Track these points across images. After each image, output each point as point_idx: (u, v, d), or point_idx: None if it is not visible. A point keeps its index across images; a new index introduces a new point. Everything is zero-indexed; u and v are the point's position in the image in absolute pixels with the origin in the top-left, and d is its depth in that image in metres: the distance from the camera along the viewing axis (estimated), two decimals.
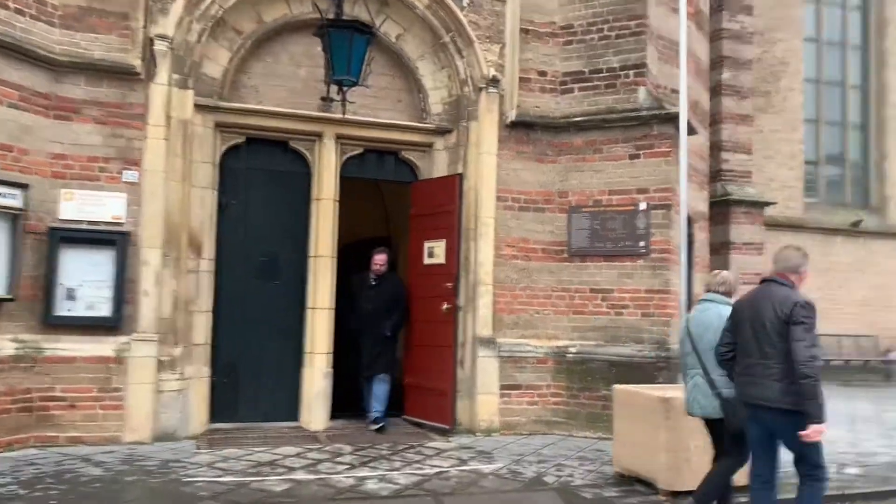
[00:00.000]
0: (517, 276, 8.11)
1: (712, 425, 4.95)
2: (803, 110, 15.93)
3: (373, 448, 6.91)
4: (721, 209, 12.93)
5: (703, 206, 9.96)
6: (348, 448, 6.87)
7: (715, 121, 12.96)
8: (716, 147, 12.96)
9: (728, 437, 4.78)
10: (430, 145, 8.30)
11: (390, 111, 8.26)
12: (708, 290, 5.11)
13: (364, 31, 7.13)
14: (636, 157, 7.92)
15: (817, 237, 15.60)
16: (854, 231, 15.80)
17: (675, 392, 6.01)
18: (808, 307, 4.14)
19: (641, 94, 7.96)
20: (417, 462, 6.44)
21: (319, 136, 7.91)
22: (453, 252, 7.76)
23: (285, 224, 7.93)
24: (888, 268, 16.05)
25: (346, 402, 8.16)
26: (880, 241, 16.06)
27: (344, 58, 7.03)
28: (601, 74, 8.17)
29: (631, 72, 8.04)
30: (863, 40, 16.81)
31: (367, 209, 12.15)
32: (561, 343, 8.09)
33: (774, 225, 14.42)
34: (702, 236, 9.62)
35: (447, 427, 7.67)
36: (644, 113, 7.88)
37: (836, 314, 15.64)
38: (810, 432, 4.03)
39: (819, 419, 4.02)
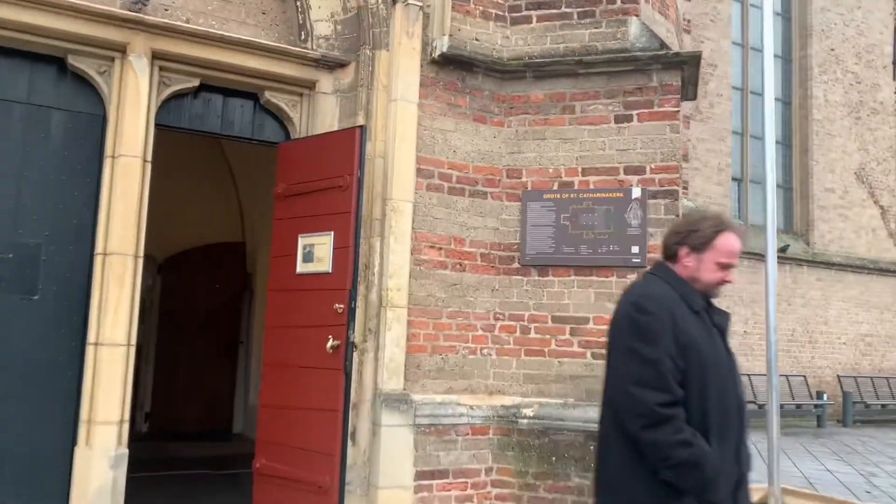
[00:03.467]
0: (445, 296, 5.19)
1: None
2: (731, 120, 14.25)
3: None
4: None
5: None
6: None
7: None
8: None
9: None
10: (311, 85, 5.25)
11: (248, 25, 5.16)
12: None
13: None
14: (626, 119, 5.27)
15: (744, 262, 13.84)
16: (781, 257, 14.16)
17: None
18: None
19: (634, 27, 5.34)
20: None
21: (123, 50, 4.67)
22: (348, 254, 4.72)
23: (55, 198, 4.63)
24: (813, 298, 14.56)
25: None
26: (806, 269, 14.55)
27: None
28: None
29: None
30: (785, 49, 15.48)
31: (209, 195, 8.86)
32: (509, 401, 5.22)
33: None
34: None
35: None
36: (640, 54, 5.25)
37: (762, 349, 13.90)
38: None
39: None
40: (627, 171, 5.22)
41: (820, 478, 8.33)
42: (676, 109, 5.20)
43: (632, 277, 5.09)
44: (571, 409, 5.07)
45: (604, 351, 5.08)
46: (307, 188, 4.96)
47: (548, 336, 5.24)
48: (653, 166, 5.18)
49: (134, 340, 4.65)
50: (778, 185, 15.16)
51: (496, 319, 5.34)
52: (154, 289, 9.54)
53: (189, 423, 9.20)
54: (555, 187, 5.35)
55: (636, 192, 5.17)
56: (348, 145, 4.78)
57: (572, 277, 5.24)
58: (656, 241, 5.09)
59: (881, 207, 15.78)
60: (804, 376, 13.94)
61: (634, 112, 5.24)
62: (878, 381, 14.86)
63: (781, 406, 13.18)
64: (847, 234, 15.21)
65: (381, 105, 5.05)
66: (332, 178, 4.83)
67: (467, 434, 5.05)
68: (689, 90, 5.53)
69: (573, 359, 5.17)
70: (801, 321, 14.35)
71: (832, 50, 15.38)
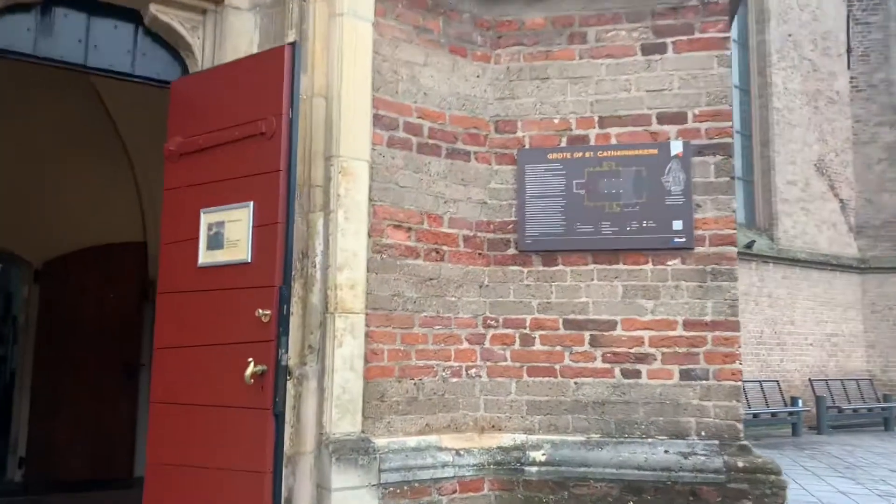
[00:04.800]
0: (417, 295, 3.66)
1: None
2: None
3: None
4: None
5: None
6: None
7: None
8: None
9: None
10: None
11: None
12: None
13: None
14: (658, 49, 3.88)
15: None
16: (747, 254, 13.21)
17: None
18: None
19: None
20: None
21: None
22: (276, 235, 3.13)
23: None
24: (780, 298, 13.66)
25: None
26: (772, 267, 13.63)
27: None
28: None
29: None
30: (741, 34, 14.61)
31: (96, 177, 7.09)
32: (509, 440, 3.73)
33: None
34: None
35: None
36: None
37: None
38: None
39: None
40: (662, 119, 3.82)
41: (837, 502, 7.15)
42: (725, 35, 3.86)
43: (674, 263, 3.71)
44: (597, 450, 3.62)
45: (639, 366, 3.71)
46: (213, 140, 3.36)
47: (559, 348, 3.78)
48: (696, 112, 3.80)
49: None
50: (738, 178, 14.30)
51: (487, 327, 3.85)
52: (30, 301, 7.64)
53: (77, 469, 7.33)
54: (563, 143, 3.91)
55: (676, 147, 3.78)
56: (273, 72, 3.20)
57: (591, 266, 3.80)
58: (706, 213, 3.73)
59: (841, 201, 15.11)
60: (777, 381, 12.99)
61: (669, 40, 3.86)
62: (848, 383, 14.10)
63: (755, 415, 12.21)
64: (810, 229, 14.44)
65: (321, 22, 3.50)
66: (249, 122, 3.24)
67: (454, 492, 3.52)
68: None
69: (596, 378, 3.73)
70: (769, 322, 13.41)
71: (790, 35, 14.62)
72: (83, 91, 6.51)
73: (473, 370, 3.80)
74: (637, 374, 3.70)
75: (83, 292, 7.49)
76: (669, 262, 3.72)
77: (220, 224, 3.28)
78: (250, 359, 3.01)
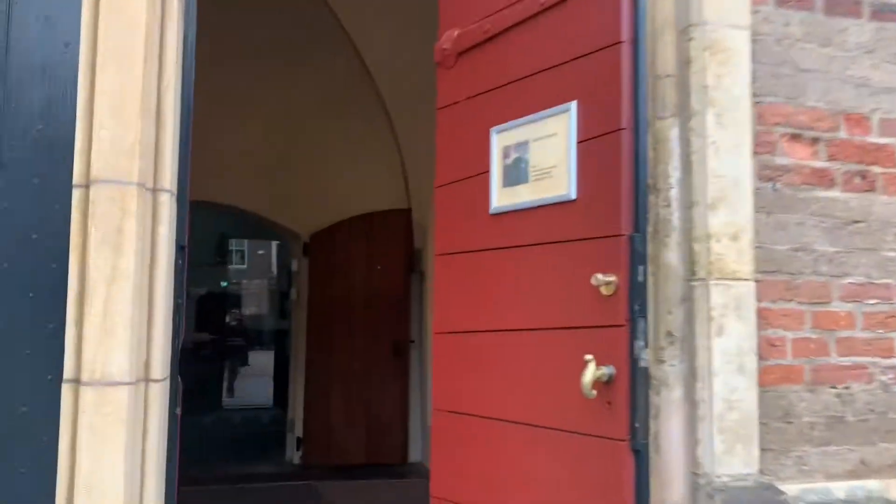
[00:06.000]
0: (832, 249, 2.23)
1: None
2: None
3: None
4: None
5: None
6: None
7: None
8: None
9: None
10: None
11: None
12: None
13: None
14: None
15: None
16: None
17: None
18: None
19: None
20: None
21: None
22: (616, 153, 1.90)
23: None
24: None
25: None
26: None
27: None
28: None
29: None
30: None
31: (355, 142, 6.48)
32: None
33: None
34: None
35: None
36: None
37: None
38: None
39: None
40: None
41: None
42: None
43: None
44: None
45: None
46: (504, 21, 2.20)
47: None
48: None
49: (161, 371, 2.15)
50: None
51: None
52: (300, 275, 7.36)
53: (352, 453, 6.93)
54: None
55: None
56: None
57: None
58: None
59: None
60: None
61: None
62: None
63: None
64: None
65: None
66: None
67: None
68: None
69: None
70: None
71: None
72: (343, 52, 5.94)
73: None
74: None
75: (349, 265, 7.02)
76: None
77: (523, 146, 2.12)
78: (588, 356, 1.81)
